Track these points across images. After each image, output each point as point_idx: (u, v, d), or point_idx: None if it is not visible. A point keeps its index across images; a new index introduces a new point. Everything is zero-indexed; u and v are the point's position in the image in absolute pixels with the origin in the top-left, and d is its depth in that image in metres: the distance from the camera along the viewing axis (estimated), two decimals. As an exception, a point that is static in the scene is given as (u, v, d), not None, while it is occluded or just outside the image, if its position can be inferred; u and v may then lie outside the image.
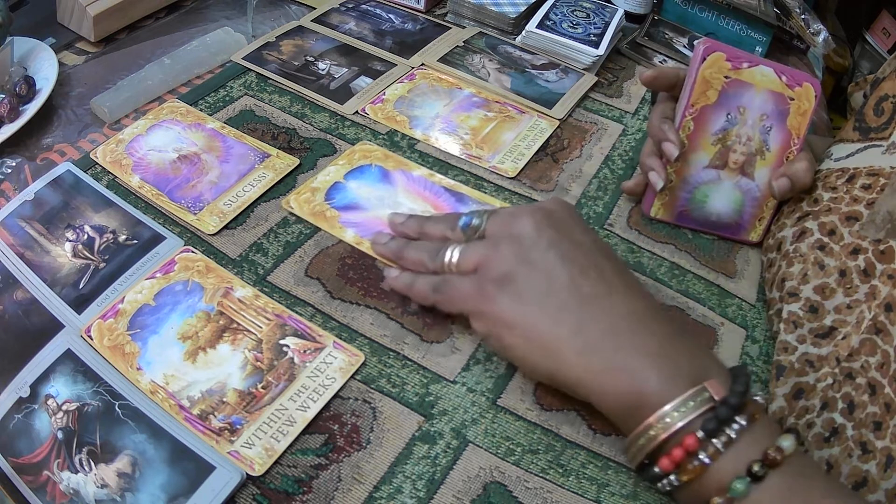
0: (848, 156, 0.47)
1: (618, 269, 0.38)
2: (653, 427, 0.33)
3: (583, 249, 0.38)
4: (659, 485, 0.34)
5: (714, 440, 0.32)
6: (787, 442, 0.31)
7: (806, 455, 0.34)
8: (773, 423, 0.34)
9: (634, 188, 0.52)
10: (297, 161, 0.52)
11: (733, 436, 0.32)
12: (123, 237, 0.45)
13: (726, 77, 0.47)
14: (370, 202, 0.50)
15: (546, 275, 0.36)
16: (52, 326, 0.40)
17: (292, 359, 0.39)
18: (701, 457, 0.32)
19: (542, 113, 0.60)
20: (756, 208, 0.50)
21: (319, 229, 0.47)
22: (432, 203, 0.50)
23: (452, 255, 0.40)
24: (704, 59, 0.46)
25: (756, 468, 0.31)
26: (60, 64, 0.59)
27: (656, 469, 0.33)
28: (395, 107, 0.58)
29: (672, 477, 0.33)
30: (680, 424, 0.32)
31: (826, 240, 0.44)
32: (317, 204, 0.49)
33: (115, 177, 0.50)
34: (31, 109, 0.54)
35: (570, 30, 0.66)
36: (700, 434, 0.32)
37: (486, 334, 0.38)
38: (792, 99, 0.47)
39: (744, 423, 0.32)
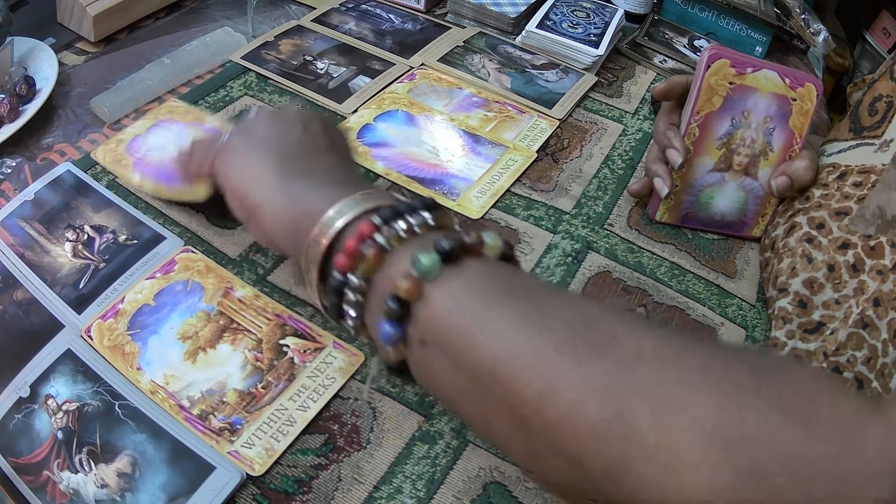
0: (840, 151, 0.47)
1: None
2: (318, 234, 0.31)
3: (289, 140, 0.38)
4: (345, 306, 0.30)
5: (393, 223, 0.29)
6: (490, 238, 0.29)
7: (518, 266, 0.31)
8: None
9: (640, 191, 0.52)
10: (296, 161, 0.52)
11: (414, 222, 0.29)
12: (123, 237, 0.45)
13: (731, 83, 0.47)
14: (397, 140, 0.55)
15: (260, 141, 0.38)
16: (52, 326, 0.40)
17: (292, 359, 0.39)
18: (377, 238, 0.29)
19: (542, 113, 0.60)
20: (759, 206, 0.50)
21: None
22: (452, 141, 0.56)
23: None
24: (709, 66, 0.46)
25: (444, 244, 0.27)
26: (60, 64, 0.59)
27: (335, 274, 0.30)
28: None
29: (352, 277, 0.29)
30: (342, 221, 0.30)
31: (814, 233, 0.44)
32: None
33: (115, 177, 0.50)
34: (31, 109, 0.54)
35: (570, 30, 0.66)
36: (377, 220, 0.29)
37: None
38: (794, 100, 0.47)
39: (429, 218, 0.29)
